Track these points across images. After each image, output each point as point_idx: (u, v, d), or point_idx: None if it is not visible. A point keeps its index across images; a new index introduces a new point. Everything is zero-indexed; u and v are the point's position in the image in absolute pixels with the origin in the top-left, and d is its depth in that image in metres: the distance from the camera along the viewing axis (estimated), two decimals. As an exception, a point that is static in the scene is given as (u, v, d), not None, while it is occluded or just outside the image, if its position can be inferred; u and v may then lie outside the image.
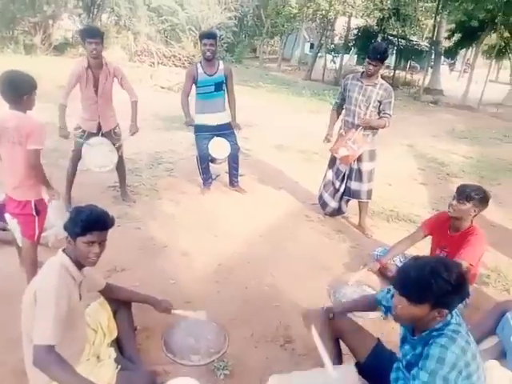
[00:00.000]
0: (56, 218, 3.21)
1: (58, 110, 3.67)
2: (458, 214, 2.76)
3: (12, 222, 2.69)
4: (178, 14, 19.88)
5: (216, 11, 20.89)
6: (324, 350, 1.92)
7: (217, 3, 21.18)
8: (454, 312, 1.59)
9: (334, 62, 20.88)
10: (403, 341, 1.77)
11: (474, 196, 2.68)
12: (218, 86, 4.30)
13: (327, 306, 2.15)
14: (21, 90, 2.38)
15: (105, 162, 3.84)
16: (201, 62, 4.25)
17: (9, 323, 2.30)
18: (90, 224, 1.83)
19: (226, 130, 4.44)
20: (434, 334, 1.56)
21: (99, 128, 3.91)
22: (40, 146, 2.44)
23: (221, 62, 4.33)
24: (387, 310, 1.96)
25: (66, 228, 1.90)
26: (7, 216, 2.73)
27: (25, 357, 1.87)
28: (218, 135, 4.40)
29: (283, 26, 24.36)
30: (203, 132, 4.37)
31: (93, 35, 3.60)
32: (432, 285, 1.46)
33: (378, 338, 2.08)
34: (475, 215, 2.77)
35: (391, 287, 1.95)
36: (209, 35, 4.19)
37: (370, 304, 2.10)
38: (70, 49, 17.55)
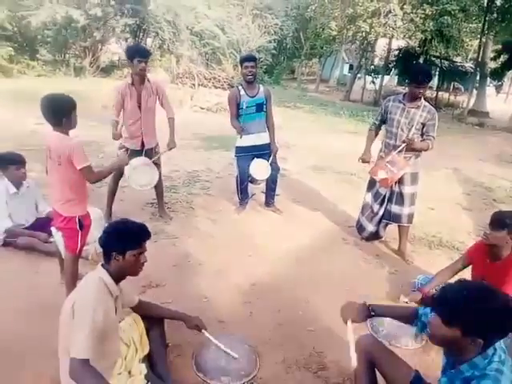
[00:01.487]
0: (97, 233, 3.31)
1: (111, 125, 3.81)
2: (493, 242, 2.66)
3: (57, 235, 2.81)
4: (219, 37, 20.56)
5: (256, 35, 21.43)
6: (353, 344, 1.90)
7: (257, 27, 21.74)
8: (497, 347, 1.49)
9: (374, 83, 20.73)
10: (443, 372, 1.68)
11: (508, 223, 2.57)
12: (259, 107, 4.36)
13: (365, 302, 2.05)
14: (60, 113, 2.47)
15: (146, 181, 3.97)
16: (242, 85, 4.34)
17: (50, 335, 2.35)
18: (141, 237, 1.95)
19: (266, 150, 4.47)
20: (476, 373, 1.46)
21: (142, 145, 4.03)
22: (87, 163, 2.52)
23: (260, 85, 4.41)
24: (423, 326, 1.86)
25: (107, 244, 1.93)
26: (53, 229, 2.84)
27: (60, 368, 1.91)
28: (258, 156, 4.42)
29: (322, 48, 24.60)
30: (245, 153, 4.42)
31: (144, 55, 3.81)
32: (464, 308, 1.40)
33: (417, 370, 1.96)
34: None
35: None
36: (249, 58, 4.29)
37: (409, 315, 1.98)
38: (116, 71, 18.51)
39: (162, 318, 2.37)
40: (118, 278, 1.96)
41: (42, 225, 3.60)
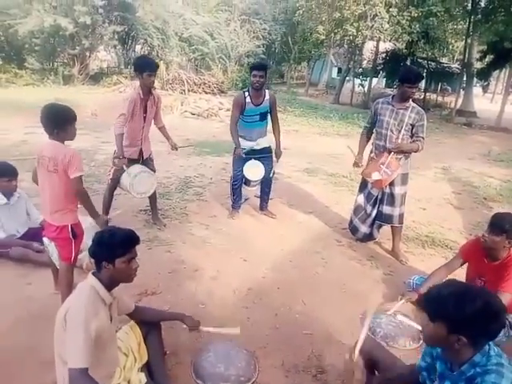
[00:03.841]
0: (90, 242, 3.28)
1: (117, 139, 3.76)
2: (491, 246, 2.67)
3: (50, 245, 2.77)
4: (208, 43, 20.62)
5: (245, 40, 21.55)
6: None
7: (245, 32, 21.85)
8: (491, 343, 1.52)
9: (363, 86, 20.90)
10: (441, 377, 1.68)
11: (507, 228, 2.57)
12: (263, 116, 4.35)
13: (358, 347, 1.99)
14: (58, 123, 2.48)
15: (146, 188, 3.94)
16: (248, 91, 4.29)
17: (43, 346, 2.34)
18: (128, 243, 1.94)
19: (264, 154, 4.46)
20: (478, 370, 1.48)
21: (140, 154, 4.03)
22: (81, 172, 2.55)
23: (267, 91, 4.36)
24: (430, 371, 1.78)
25: (96, 254, 1.93)
26: (45, 239, 2.81)
27: (57, 378, 1.89)
28: (255, 158, 4.42)
29: (310, 51, 24.73)
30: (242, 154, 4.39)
31: (154, 69, 3.81)
32: (446, 305, 1.45)
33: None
34: None
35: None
36: (259, 67, 4.23)
37: (411, 373, 1.87)
38: (105, 78, 18.43)
39: (159, 320, 2.36)
40: (110, 285, 1.95)
41: (34, 234, 3.55)
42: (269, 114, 4.41)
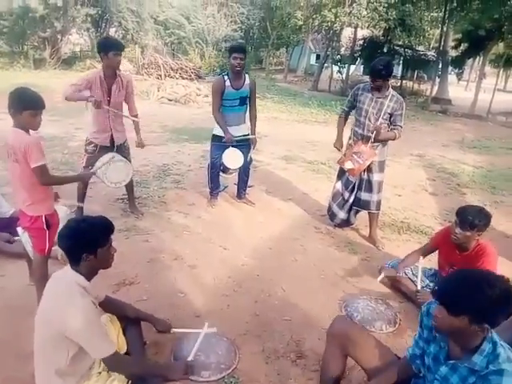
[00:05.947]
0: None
1: (71, 97, 3.52)
2: (463, 241, 2.73)
3: (23, 236, 2.70)
4: (184, 27, 20.20)
5: (222, 24, 21.20)
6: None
7: (223, 16, 21.48)
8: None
9: (341, 73, 20.96)
10: (436, 360, 1.67)
11: (477, 223, 2.63)
12: (243, 101, 4.28)
13: None
14: (16, 108, 2.34)
15: (121, 177, 3.74)
16: (228, 75, 4.19)
17: (19, 338, 2.29)
18: (109, 229, 1.93)
19: (242, 142, 4.40)
20: (492, 368, 1.46)
21: (112, 141, 3.90)
22: (42, 162, 2.39)
23: (246, 75, 4.28)
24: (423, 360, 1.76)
25: (74, 248, 1.85)
26: (19, 229, 2.73)
27: (36, 373, 1.87)
28: (235, 146, 4.34)
29: (289, 37, 24.57)
30: (221, 142, 4.31)
31: (120, 48, 3.67)
32: (471, 298, 1.42)
33: (398, 356, 1.98)
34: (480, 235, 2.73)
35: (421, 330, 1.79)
36: (239, 49, 4.12)
37: (406, 366, 1.84)
38: (78, 62, 17.85)
39: (132, 316, 2.30)
40: (90, 276, 1.92)
41: (5, 226, 3.45)
42: (248, 100, 4.35)
